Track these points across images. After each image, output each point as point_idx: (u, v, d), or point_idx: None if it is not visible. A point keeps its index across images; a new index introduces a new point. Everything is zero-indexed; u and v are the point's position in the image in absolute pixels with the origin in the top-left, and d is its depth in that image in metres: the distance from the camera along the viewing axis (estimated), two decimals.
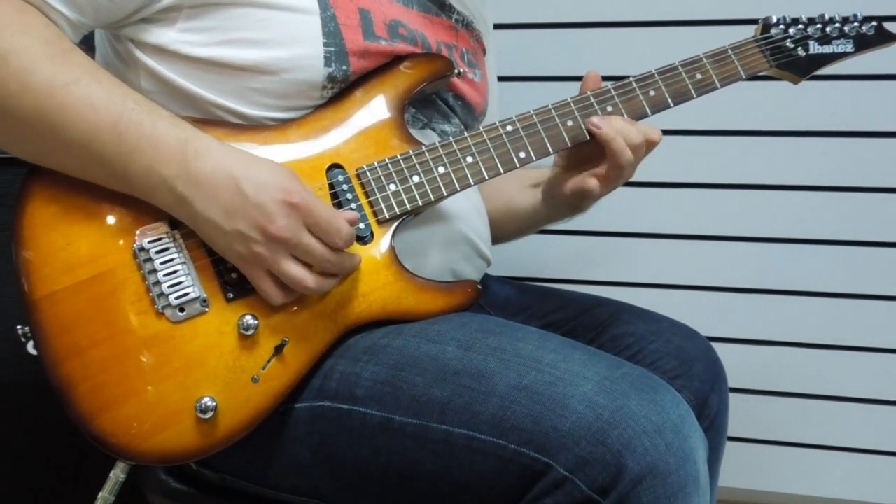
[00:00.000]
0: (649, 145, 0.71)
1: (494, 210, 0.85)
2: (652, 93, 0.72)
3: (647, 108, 0.72)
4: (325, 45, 0.66)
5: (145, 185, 0.59)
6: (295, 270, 0.60)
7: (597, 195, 0.73)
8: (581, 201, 0.76)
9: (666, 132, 1.08)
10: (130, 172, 0.59)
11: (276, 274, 0.60)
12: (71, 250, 0.61)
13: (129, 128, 0.58)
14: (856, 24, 0.77)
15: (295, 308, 0.63)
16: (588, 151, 0.72)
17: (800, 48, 0.76)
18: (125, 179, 0.60)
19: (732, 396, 0.83)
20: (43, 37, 0.59)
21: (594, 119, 0.70)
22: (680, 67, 0.73)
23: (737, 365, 0.95)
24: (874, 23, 0.77)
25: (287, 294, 0.61)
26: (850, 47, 0.77)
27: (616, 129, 0.69)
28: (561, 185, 0.75)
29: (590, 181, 0.71)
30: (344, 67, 0.67)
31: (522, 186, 0.84)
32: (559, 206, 0.80)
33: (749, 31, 0.77)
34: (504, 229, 0.87)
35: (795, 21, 0.77)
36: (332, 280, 0.62)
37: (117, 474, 0.64)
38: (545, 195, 0.80)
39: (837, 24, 0.77)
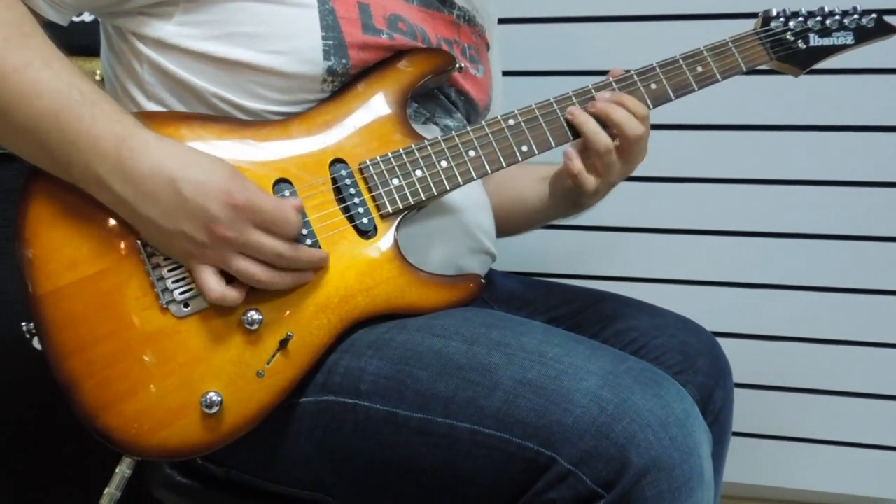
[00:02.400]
0: (638, 118, 0.69)
1: (504, 203, 0.85)
2: (653, 86, 0.72)
3: (649, 101, 0.72)
4: (324, 38, 0.66)
5: (84, 180, 0.59)
6: (245, 266, 0.59)
7: (591, 189, 0.71)
8: (580, 197, 0.75)
9: (669, 126, 1.08)
10: (72, 165, 0.58)
11: (226, 270, 0.59)
12: (75, 246, 0.61)
13: (70, 119, 0.57)
14: (855, 16, 0.77)
15: (299, 302, 0.63)
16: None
17: (800, 41, 0.76)
18: (68, 171, 0.59)
19: (737, 391, 0.83)
20: (2, 18, 0.58)
21: (571, 108, 0.70)
22: (681, 60, 0.74)
23: (741, 360, 0.95)
24: (874, 15, 0.77)
25: (231, 290, 0.59)
26: (849, 40, 0.77)
27: (592, 112, 0.69)
28: (563, 179, 0.75)
29: (585, 175, 0.71)
30: (344, 61, 0.67)
31: (533, 180, 0.83)
32: (562, 200, 0.80)
33: (749, 25, 0.78)
34: (512, 222, 0.87)
35: (795, 14, 0.77)
36: (289, 276, 0.61)
37: (123, 470, 0.64)
38: (551, 190, 0.80)
39: (837, 17, 0.77)
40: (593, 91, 0.72)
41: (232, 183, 0.58)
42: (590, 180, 0.71)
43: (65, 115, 0.57)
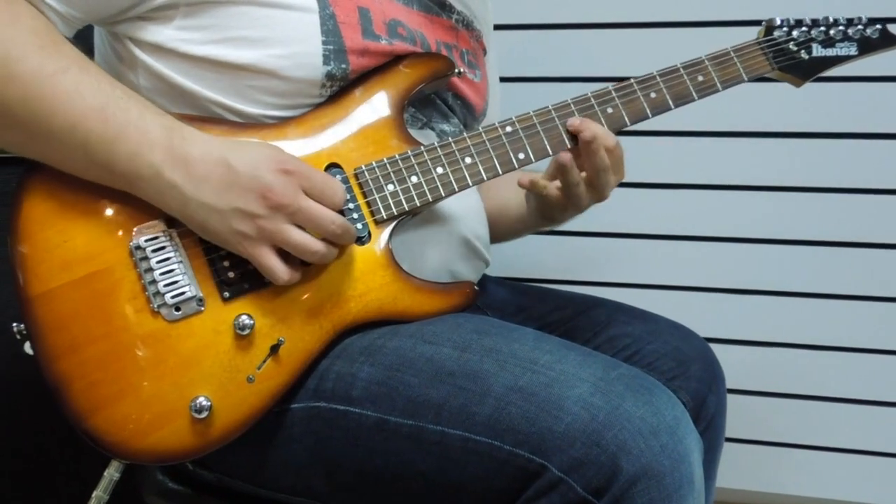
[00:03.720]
0: (611, 152, 0.70)
1: (490, 211, 0.84)
2: (653, 94, 0.72)
3: (648, 110, 0.72)
4: (324, 43, 0.66)
5: (129, 172, 0.59)
6: (302, 236, 0.60)
7: (584, 202, 0.72)
8: (562, 213, 0.75)
9: (666, 133, 1.08)
10: (114, 159, 0.59)
11: (281, 245, 0.60)
12: (68, 248, 0.61)
13: (116, 114, 0.58)
14: (860, 26, 0.76)
15: (291, 308, 0.63)
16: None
17: (803, 51, 0.76)
18: (108, 167, 0.59)
19: (730, 397, 0.83)
20: (31, 27, 0.59)
21: (573, 120, 0.70)
22: (681, 69, 0.73)
23: (734, 366, 0.95)
24: (878, 25, 0.77)
25: (293, 270, 0.60)
26: (853, 50, 0.76)
27: (594, 131, 0.69)
28: (547, 195, 0.74)
29: (575, 188, 0.71)
30: (343, 66, 0.67)
31: (517, 191, 0.83)
32: (541, 215, 0.80)
33: (752, 33, 0.77)
34: (499, 230, 0.87)
35: (799, 23, 0.76)
36: (336, 249, 0.62)
37: (111, 473, 0.64)
38: (526, 200, 0.80)
39: (841, 27, 0.76)
40: (592, 100, 0.71)
41: (281, 154, 0.60)
42: (576, 174, 0.70)
43: (111, 110, 0.58)
